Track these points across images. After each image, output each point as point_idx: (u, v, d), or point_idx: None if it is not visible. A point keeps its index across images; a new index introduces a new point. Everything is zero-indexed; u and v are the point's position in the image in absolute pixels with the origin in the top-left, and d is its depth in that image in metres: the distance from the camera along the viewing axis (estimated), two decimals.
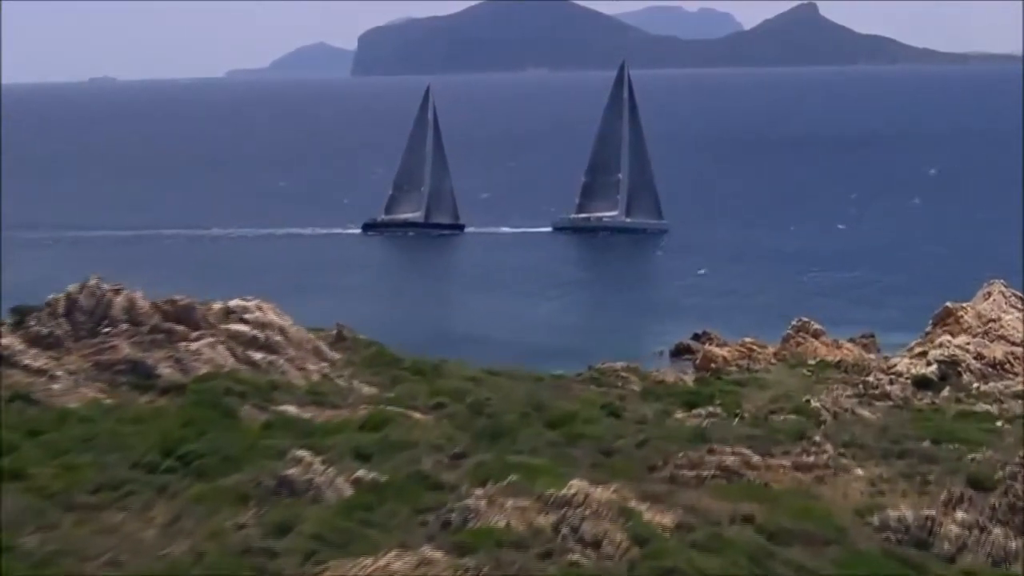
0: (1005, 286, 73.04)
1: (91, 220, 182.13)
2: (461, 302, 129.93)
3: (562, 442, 37.56)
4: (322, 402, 43.59)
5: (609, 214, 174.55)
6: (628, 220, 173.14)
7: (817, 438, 40.27)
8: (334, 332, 56.84)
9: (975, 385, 59.09)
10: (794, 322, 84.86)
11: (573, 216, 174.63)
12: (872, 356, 79.15)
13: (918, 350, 64.99)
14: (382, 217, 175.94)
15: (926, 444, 40.79)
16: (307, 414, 40.83)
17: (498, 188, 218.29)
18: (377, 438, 35.92)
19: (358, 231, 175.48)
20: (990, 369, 62.27)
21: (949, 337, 65.27)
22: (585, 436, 39.38)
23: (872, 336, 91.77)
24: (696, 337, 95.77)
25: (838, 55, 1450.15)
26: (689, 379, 65.00)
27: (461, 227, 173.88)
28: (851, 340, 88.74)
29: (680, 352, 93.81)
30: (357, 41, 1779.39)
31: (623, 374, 62.37)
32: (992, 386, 58.55)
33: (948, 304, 71.16)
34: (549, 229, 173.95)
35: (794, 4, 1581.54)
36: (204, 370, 45.59)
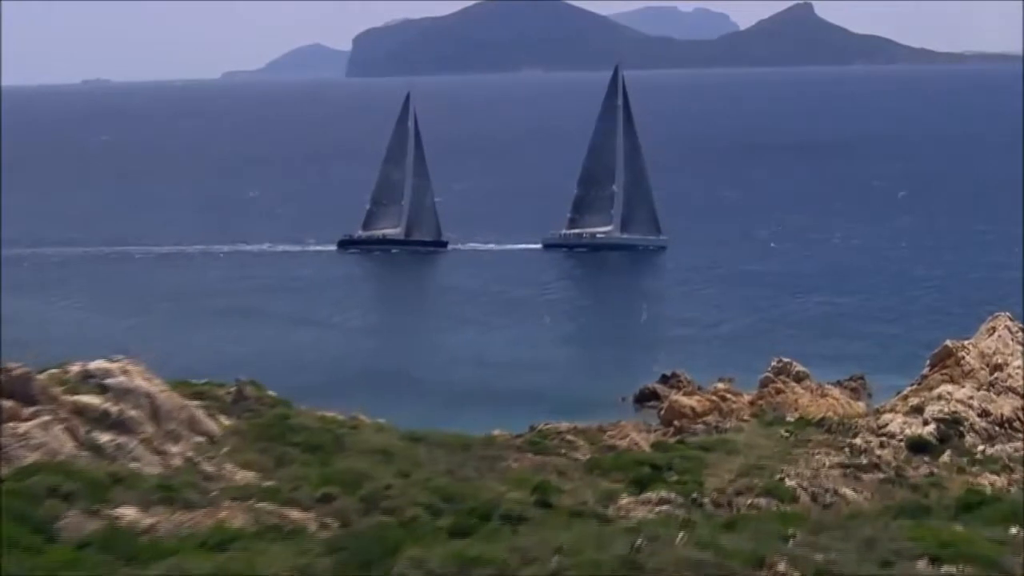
0: (1011, 319, 66.41)
1: (29, 235, 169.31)
2: (431, 332, 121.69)
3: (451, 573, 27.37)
4: (174, 499, 33.10)
5: (603, 230, 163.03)
6: (623, 236, 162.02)
7: (781, 567, 28.30)
8: (233, 391, 47.10)
9: (979, 448, 52.81)
10: (774, 362, 78.59)
11: (564, 232, 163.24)
12: (861, 405, 73.14)
13: (913, 400, 58.54)
14: (359, 233, 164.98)
15: (922, 566, 29.60)
16: (149, 519, 31.17)
17: (485, 201, 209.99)
18: (208, 571, 25.56)
19: (333, 248, 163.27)
20: (997, 428, 55.94)
21: (949, 387, 58.52)
22: (480, 561, 28.18)
23: (861, 378, 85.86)
24: (665, 379, 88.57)
25: (834, 55, 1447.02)
26: (647, 441, 57.05)
27: (444, 244, 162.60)
28: (838, 383, 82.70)
29: (646, 398, 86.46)
30: (352, 42, 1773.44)
31: (569, 437, 54.38)
32: (999, 449, 52.36)
33: (948, 343, 64.79)
34: (539, 246, 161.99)
35: (789, 4, 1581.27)
36: (30, 460, 33.92)
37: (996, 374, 60.36)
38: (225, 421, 43.09)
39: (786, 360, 78.41)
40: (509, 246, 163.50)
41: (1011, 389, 58.90)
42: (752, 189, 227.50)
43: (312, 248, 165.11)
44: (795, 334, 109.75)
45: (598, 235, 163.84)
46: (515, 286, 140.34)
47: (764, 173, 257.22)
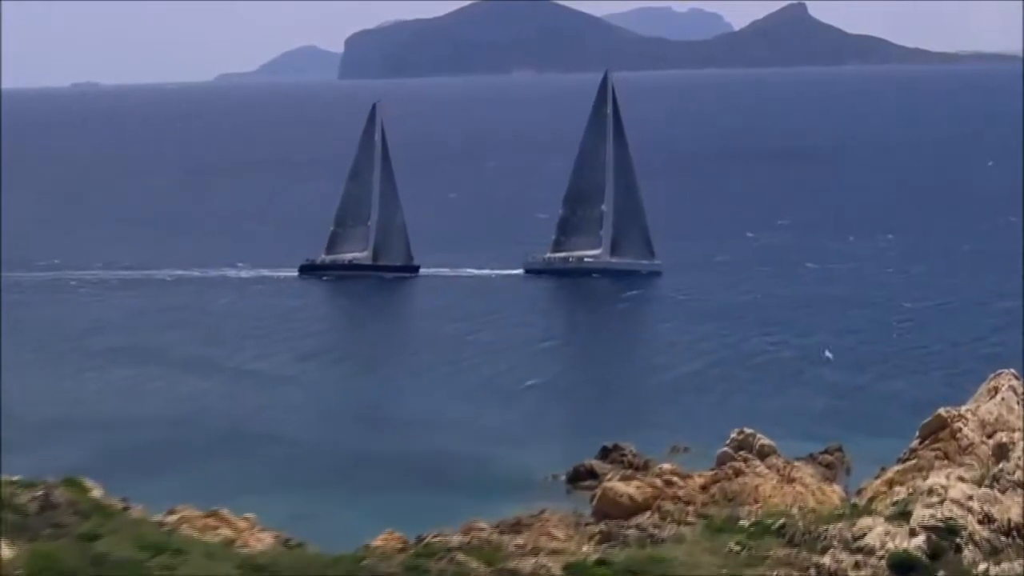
0: (1015, 376, 56.64)
1: None
2: (366, 381, 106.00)
3: None
4: None
5: (591, 253, 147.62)
6: (614, 260, 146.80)
7: None
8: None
9: (981, 568, 41.92)
10: (734, 434, 67.08)
11: (548, 256, 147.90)
12: (836, 490, 63.48)
13: (899, 491, 47.93)
14: (322, 257, 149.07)
15: None
16: None
17: (462, 217, 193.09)
18: None
19: (294, 273, 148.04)
20: (1002, 538, 43.76)
21: (942, 479, 46.60)
22: None
23: (839, 449, 74.92)
24: (605, 453, 75.51)
25: (828, 55, 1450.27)
26: (556, 567, 43.08)
27: (415, 269, 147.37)
28: (811, 457, 72.28)
29: (581, 477, 73.39)
30: (344, 44, 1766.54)
31: (460, 557, 42.34)
32: (1006, 568, 41.75)
33: (941, 412, 55.07)
34: (520, 271, 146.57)
35: (783, 4, 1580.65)
36: None
37: (1002, 464, 48.23)
38: (7, 550, 33.62)
39: (748, 431, 66.89)
40: (487, 271, 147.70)
41: (1021, 485, 46.54)
42: (737, 201, 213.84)
43: (271, 273, 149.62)
44: (765, 383, 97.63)
45: (586, 259, 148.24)
46: (484, 322, 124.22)
47: (749, 183, 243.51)
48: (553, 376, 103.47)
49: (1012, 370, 58.01)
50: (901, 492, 48.30)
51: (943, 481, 46.43)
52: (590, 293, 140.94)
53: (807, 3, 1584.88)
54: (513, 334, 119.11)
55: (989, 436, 53.59)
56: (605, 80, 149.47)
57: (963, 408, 55.96)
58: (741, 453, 65.51)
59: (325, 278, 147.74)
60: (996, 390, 57.52)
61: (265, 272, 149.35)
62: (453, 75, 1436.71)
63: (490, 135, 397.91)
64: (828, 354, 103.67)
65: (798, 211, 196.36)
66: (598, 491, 63.88)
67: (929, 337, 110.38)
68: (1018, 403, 55.47)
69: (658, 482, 63.29)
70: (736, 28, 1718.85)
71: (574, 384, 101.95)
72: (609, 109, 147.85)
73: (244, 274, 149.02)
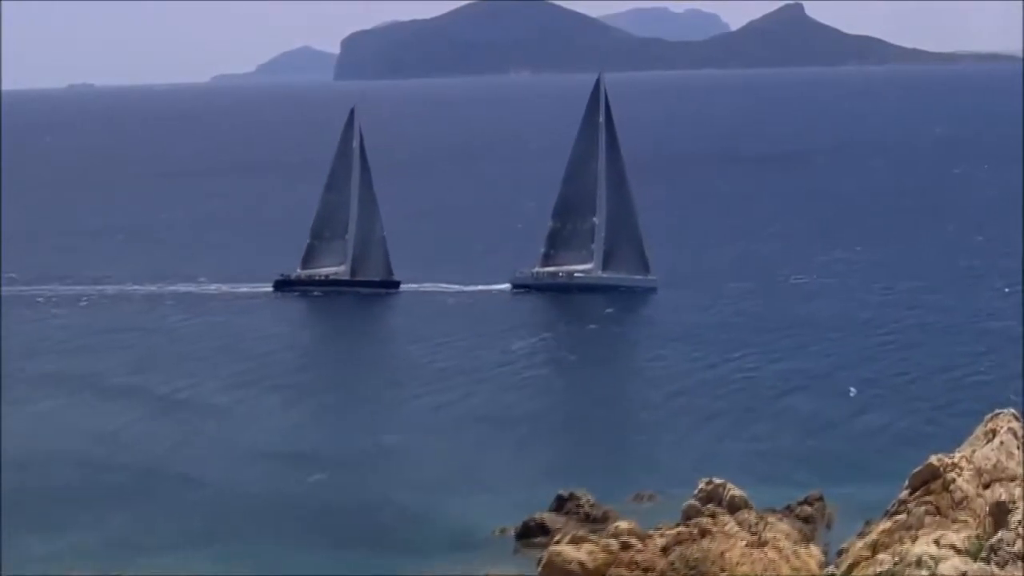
0: (1015, 417, 50.29)
1: None
2: (325, 408, 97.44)
3: None
4: None
5: (582, 268, 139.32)
6: (606, 276, 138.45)
7: None
8: None
9: None
10: (703, 484, 61.37)
11: (537, 271, 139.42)
12: (814, 553, 56.30)
13: (884, 558, 42.27)
14: (298, 272, 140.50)
15: None
16: None
17: (446, 228, 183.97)
18: None
19: (269, 288, 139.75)
20: None
21: (932, 546, 41.19)
22: None
23: (820, 498, 67.58)
24: (560, 503, 67.54)
25: (825, 56, 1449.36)
26: None
27: (395, 284, 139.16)
28: (788, 509, 65.38)
29: (531, 533, 65.49)
30: (340, 45, 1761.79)
31: None
32: None
33: (933, 460, 48.84)
34: (507, 286, 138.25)
35: (780, 4, 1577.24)
36: None
37: (1001, 533, 41.47)
38: None
39: (718, 481, 60.95)
40: (471, 287, 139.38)
41: (1021, 557, 40.03)
42: (727, 207, 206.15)
43: (243, 288, 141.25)
44: (741, 418, 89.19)
45: (576, 274, 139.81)
46: (458, 345, 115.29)
47: (740, 188, 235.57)
48: (521, 408, 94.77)
49: (1011, 410, 51.44)
50: (886, 561, 42.20)
51: (933, 551, 40.99)
52: (578, 311, 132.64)
53: (804, 3, 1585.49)
54: (486, 358, 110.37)
55: (986, 486, 47.51)
56: (597, 85, 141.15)
57: (957, 455, 49.50)
58: (709, 507, 58.88)
59: (300, 294, 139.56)
60: (994, 433, 50.59)
61: (238, 287, 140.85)
62: (450, 76, 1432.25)
63: (480, 138, 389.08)
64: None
65: (788, 218, 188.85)
66: (544, 556, 56.30)
67: (917, 363, 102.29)
68: (1018, 447, 48.80)
69: (613, 544, 55.73)
70: (733, 28, 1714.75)
71: (541, 417, 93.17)
72: (601, 116, 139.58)
73: (209, 289, 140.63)
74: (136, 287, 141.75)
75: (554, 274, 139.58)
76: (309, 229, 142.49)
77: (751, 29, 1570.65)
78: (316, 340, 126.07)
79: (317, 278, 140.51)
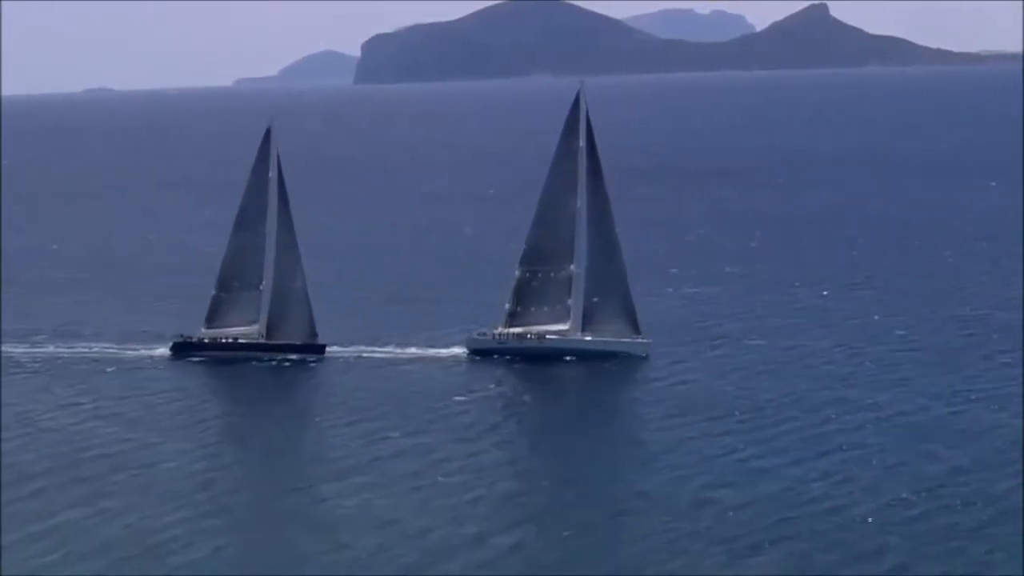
0: None
1: None
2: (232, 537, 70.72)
3: None
4: None
5: (556, 328, 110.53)
6: (586, 339, 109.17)
7: None
8: None
9: None
10: None
11: (499, 331, 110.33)
12: None
13: None
14: (201, 332, 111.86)
15: None
16: None
17: (389, 276, 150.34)
18: None
19: (167, 352, 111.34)
20: None
21: None
22: None
23: None
24: None
25: (848, 56, 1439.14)
26: None
27: (320, 349, 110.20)
28: None
29: None
30: (360, 48, 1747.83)
31: None
32: None
33: None
34: (462, 350, 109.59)
35: (805, 5, 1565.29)
36: None
37: None
38: None
39: None
40: (416, 350, 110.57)
41: None
42: (727, 228, 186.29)
43: (137, 352, 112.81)
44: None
45: (549, 336, 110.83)
46: (400, 430, 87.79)
47: (740, 204, 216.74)
48: (474, 528, 67.45)
49: None
50: None
51: None
52: (550, 387, 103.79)
53: (828, 3, 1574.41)
54: (432, 455, 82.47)
55: None
56: (577, 103, 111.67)
57: None
58: None
59: (200, 360, 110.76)
60: None
61: (124, 350, 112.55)
62: (469, 79, 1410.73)
63: (458, 148, 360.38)
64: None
65: (778, 242, 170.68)
66: None
67: (907, 457, 78.32)
68: None
69: None
70: (759, 29, 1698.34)
71: (504, 549, 65.46)
72: (582, 140, 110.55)
73: (83, 349, 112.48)
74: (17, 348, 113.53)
75: (521, 336, 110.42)
76: (216, 278, 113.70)
77: (774, 30, 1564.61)
78: (209, 428, 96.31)
79: (223, 340, 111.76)
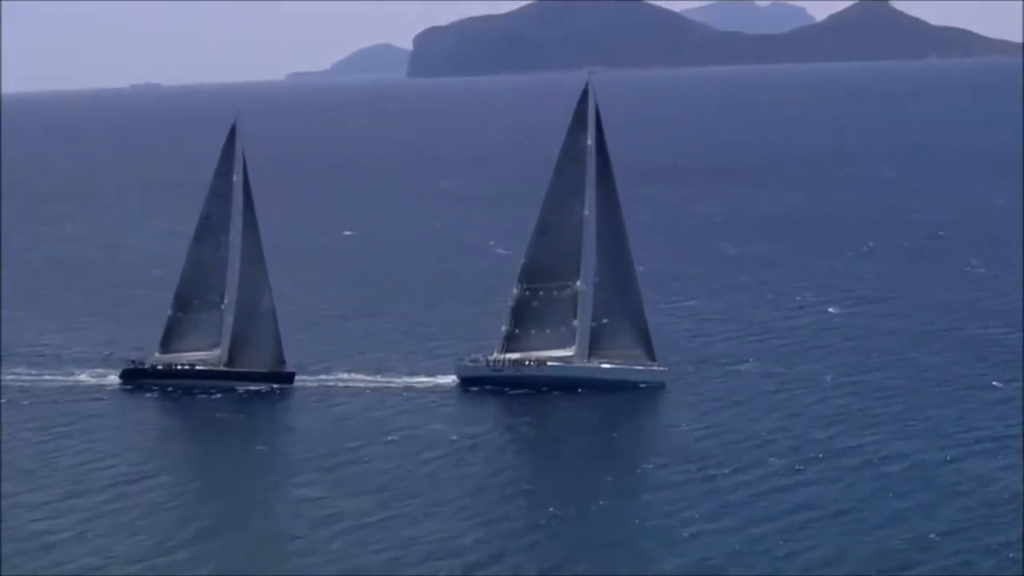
0: None
1: None
2: None
3: None
4: None
5: (558, 355, 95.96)
6: (592, 366, 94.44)
7: None
8: None
9: None
10: None
11: (494, 357, 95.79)
12: None
13: None
14: (155, 357, 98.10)
15: None
16: None
17: (369, 293, 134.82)
18: None
19: (116, 380, 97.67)
20: None
21: None
22: None
23: None
24: None
25: (908, 48, 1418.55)
26: None
27: (288, 377, 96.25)
28: None
29: None
30: (412, 42, 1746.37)
31: None
32: None
33: None
34: (451, 379, 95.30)
35: None
36: None
37: None
38: None
39: None
40: (397, 379, 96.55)
41: None
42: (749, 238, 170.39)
43: (81, 378, 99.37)
44: None
45: (551, 363, 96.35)
46: (380, 472, 75.79)
47: (767, 207, 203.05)
48: None
49: None
50: None
51: None
52: (552, 423, 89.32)
53: None
54: (415, 501, 70.20)
55: None
56: (585, 95, 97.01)
57: None
58: None
59: (153, 390, 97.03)
60: None
61: (69, 376, 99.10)
62: (521, 72, 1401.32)
63: (470, 148, 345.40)
64: None
65: (796, 250, 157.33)
66: None
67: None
68: None
69: None
70: (818, 20, 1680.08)
71: None
72: (591, 138, 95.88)
73: (23, 377, 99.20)
74: None
75: (519, 362, 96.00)
76: (173, 296, 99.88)
77: (834, 22, 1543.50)
78: (157, 474, 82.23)
79: (179, 367, 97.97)
